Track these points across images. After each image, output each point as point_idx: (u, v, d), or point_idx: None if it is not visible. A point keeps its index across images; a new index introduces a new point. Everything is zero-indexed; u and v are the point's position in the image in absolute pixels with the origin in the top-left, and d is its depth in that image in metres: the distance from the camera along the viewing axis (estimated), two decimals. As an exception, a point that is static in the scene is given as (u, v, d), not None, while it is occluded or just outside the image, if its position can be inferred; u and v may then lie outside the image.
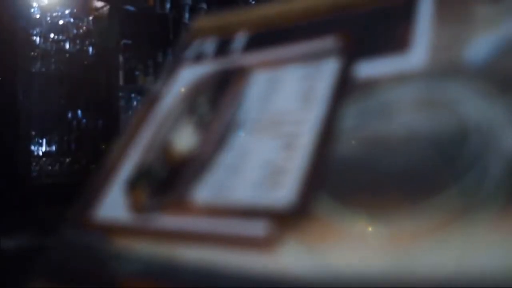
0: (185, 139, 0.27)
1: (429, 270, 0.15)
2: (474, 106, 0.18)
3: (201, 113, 0.28)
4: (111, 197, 0.26)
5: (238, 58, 0.30)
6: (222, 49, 0.31)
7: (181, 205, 0.23)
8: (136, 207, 0.25)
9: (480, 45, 0.20)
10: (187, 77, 0.31)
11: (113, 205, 0.26)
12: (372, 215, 0.17)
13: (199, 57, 0.32)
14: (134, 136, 0.30)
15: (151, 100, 0.31)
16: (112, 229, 0.24)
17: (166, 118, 0.29)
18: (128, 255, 0.22)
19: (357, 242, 0.17)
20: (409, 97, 0.20)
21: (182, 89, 0.31)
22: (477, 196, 0.16)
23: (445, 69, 0.20)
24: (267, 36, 0.30)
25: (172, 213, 0.23)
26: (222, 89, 0.28)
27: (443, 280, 0.15)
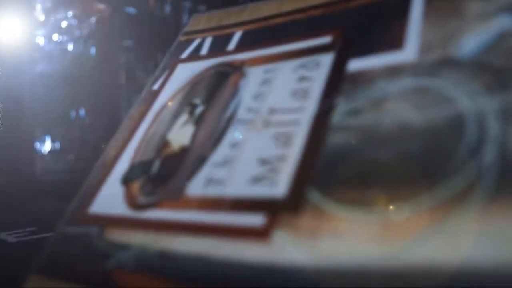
0: (181, 135, 0.26)
1: (421, 261, 0.15)
2: (465, 101, 0.18)
3: (197, 109, 0.27)
4: (108, 191, 0.26)
5: (233, 55, 0.29)
6: (218, 46, 0.31)
7: (177, 199, 0.22)
8: (134, 201, 0.24)
9: (471, 41, 0.20)
10: (183, 73, 0.31)
11: (111, 199, 0.25)
12: (365, 207, 0.17)
13: (195, 54, 0.32)
14: (131, 132, 0.29)
15: (147, 96, 0.31)
16: (109, 223, 0.24)
17: (162, 114, 0.29)
18: (126, 249, 0.22)
19: (350, 233, 0.17)
20: (402, 92, 0.20)
21: (179, 86, 0.30)
22: (468, 188, 0.16)
23: (436, 64, 0.20)
24: (262, 33, 0.29)
25: (168, 206, 0.22)
26: (218, 86, 0.28)
27: (435, 271, 0.14)
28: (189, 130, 0.26)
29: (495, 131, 0.16)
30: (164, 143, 0.26)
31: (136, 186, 0.25)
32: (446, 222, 0.15)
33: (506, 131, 0.16)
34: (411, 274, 0.15)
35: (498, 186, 0.15)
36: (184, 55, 0.32)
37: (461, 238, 0.15)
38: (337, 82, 0.22)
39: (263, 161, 0.21)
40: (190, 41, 0.33)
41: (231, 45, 0.30)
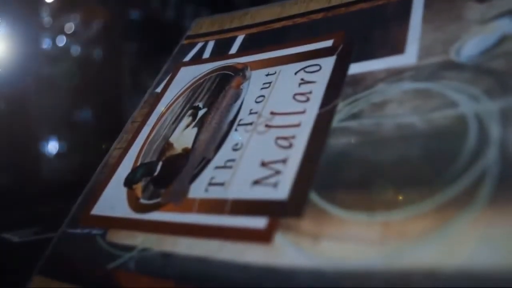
0: (184, 137, 0.26)
1: (422, 264, 0.15)
2: (466, 104, 0.18)
3: (200, 112, 0.27)
4: (112, 193, 0.26)
5: (235, 58, 0.29)
6: (220, 49, 0.31)
7: (180, 201, 0.22)
8: (136, 203, 0.24)
9: (471, 44, 0.20)
10: (186, 76, 0.31)
11: (114, 201, 0.25)
12: (367, 211, 0.17)
13: (198, 58, 0.32)
14: (135, 134, 0.29)
15: (151, 99, 0.31)
16: (112, 225, 0.24)
17: (165, 116, 0.29)
18: (129, 250, 0.22)
19: (351, 236, 0.16)
20: (403, 95, 0.20)
21: (182, 89, 0.30)
22: (470, 192, 0.15)
23: (437, 68, 0.20)
24: (264, 37, 0.29)
25: (170, 208, 0.22)
26: (220, 89, 0.27)
27: (436, 273, 0.14)
28: (191, 133, 0.26)
29: (496, 134, 0.16)
30: (167, 145, 0.26)
31: (138, 188, 0.25)
32: (447, 226, 0.15)
33: (507, 134, 0.16)
34: (412, 277, 0.14)
35: (499, 190, 0.15)
36: (187, 58, 0.32)
37: (462, 241, 0.14)
38: (338, 85, 0.22)
39: (265, 164, 0.21)
40: (192, 45, 0.33)
41: (233, 49, 0.30)
